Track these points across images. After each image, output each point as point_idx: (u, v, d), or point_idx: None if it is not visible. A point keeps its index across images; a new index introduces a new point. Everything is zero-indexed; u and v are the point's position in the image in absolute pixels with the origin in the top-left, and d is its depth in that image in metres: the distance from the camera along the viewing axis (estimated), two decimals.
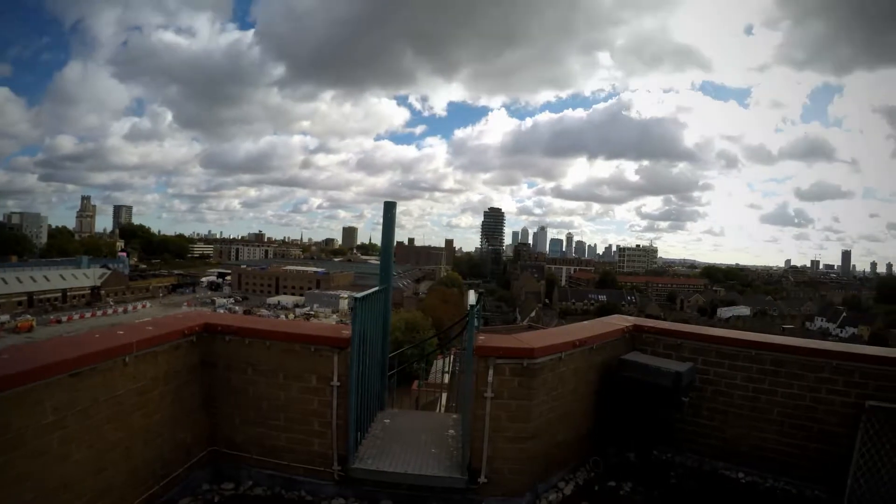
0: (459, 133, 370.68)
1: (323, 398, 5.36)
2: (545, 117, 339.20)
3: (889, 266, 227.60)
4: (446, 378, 12.96)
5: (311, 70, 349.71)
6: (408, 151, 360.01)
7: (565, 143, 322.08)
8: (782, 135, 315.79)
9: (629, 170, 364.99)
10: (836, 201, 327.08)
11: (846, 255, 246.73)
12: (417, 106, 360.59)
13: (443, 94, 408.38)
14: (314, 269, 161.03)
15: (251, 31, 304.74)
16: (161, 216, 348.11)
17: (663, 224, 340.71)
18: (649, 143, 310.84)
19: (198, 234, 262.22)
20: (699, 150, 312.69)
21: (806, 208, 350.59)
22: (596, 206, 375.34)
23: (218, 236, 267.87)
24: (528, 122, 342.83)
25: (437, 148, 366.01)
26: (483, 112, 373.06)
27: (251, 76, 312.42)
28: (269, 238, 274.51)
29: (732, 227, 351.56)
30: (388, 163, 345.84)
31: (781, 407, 6.11)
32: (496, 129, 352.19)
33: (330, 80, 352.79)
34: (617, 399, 6.14)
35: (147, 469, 4.69)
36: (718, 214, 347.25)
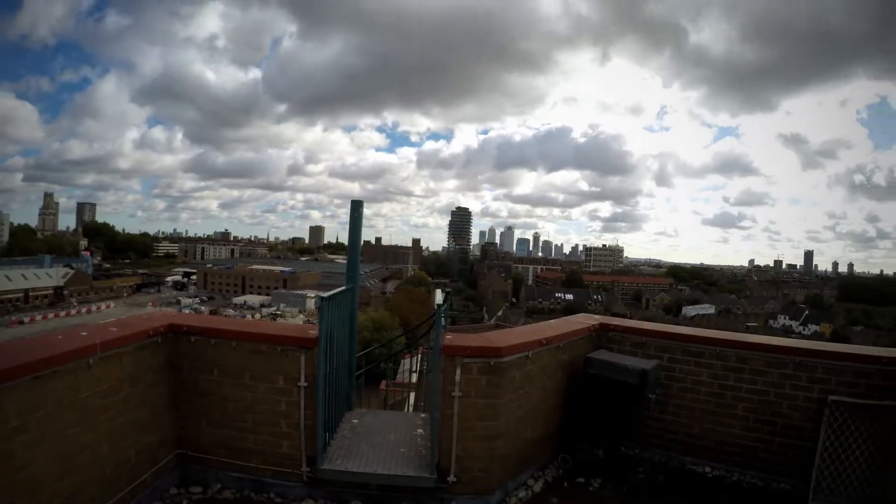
0: (429, 146, 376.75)
1: (290, 399, 5.31)
2: (500, 134, 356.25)
3: (850, 266, 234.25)
4: (414, 377, 12.93)
5: (308, 107, 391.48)
6: (379, 157, 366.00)
7: (516, 157, 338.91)
8: (707, 151, 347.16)
9: (578, 179, 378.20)
10: (766, 207, 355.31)
11: (808, 256, 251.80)
12: (394, 131, 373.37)
13: (420, 125, 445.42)
14: (281, 268, 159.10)
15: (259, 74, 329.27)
16: (136, 214, 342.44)
17: (623, 225, 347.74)
18: (592, 157, 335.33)
19: (163, 233, 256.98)
20: (638, 165, 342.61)
21: (744, 212, 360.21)
22: (556, 210, 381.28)
23: (184, 235, 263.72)
24: (487, 137, 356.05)
25: (407, 157, 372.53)
26: (451, 132, 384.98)
27: (258, 109, 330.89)
28: (235, 237, 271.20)
29: (685, 228, 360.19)
30: (364, 170, 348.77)
31: (746, 402, 6.21)
32: (460, 143, 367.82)
33: (323, 114, 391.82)
34: (584, 396, 6.20)
35: (114, 473, 4.61)
36: (666, 219, 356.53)
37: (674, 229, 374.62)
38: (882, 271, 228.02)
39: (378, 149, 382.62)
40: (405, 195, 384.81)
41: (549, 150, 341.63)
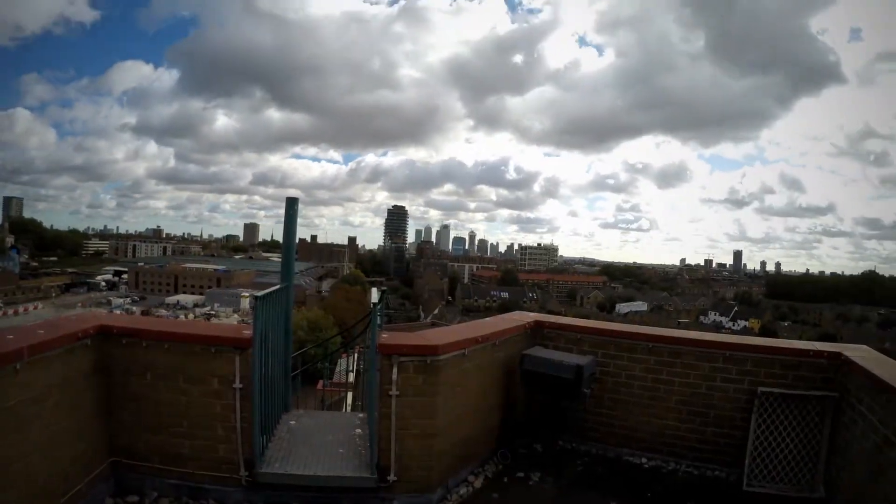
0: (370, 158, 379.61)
1: (226, 401, 5.22)
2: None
3: (777, 265, 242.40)
4: (351, 377, 12.89)
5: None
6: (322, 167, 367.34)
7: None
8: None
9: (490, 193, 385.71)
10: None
11: (737, 255, 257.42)
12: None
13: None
14: (214, 266, 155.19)
15: None
16: (80, 211, 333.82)
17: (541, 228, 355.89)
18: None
19: (93, 230, 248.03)
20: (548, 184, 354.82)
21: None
22: (483, 214, 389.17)
23: (115, 232, 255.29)
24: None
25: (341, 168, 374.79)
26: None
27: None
28: (168, 234, 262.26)
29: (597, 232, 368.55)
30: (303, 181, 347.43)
31: (679, 395, 6.44)
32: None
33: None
34: (521, 392, 6.27)
35: (47, 486, 4.44)
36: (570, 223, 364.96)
37: (589, 231, 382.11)
38: (808, 270, 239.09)
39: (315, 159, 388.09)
40: (344, 200, 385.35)
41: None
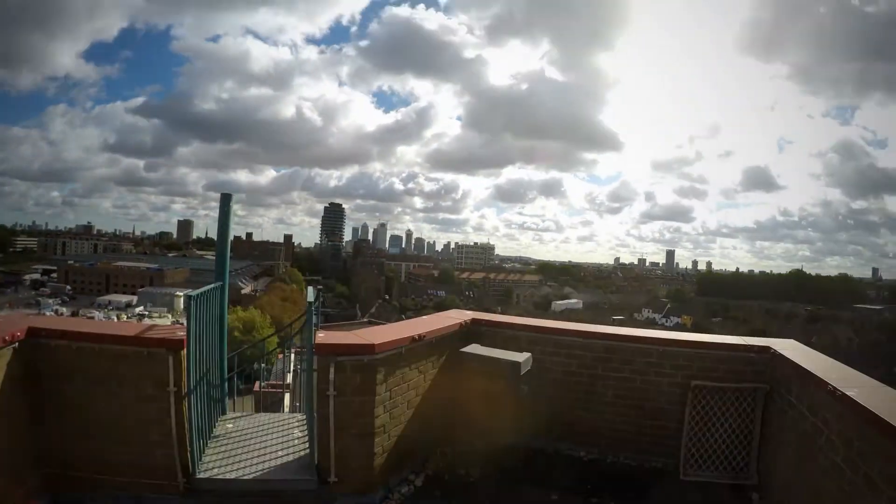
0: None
1: (161, 405, 5.10)
2: None
3: (709, 263, 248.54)
4: (289, 378, 12.78)
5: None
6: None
7: None
8: None
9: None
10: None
11: (670, 254, 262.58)
12: None
13: None
14: (147, 265, 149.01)
15: None
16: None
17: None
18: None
19: (21, 226, 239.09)
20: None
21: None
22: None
23: (43, 228, 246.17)
24: None
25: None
26: None
27: None
28: (99, 231, 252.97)
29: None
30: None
31: (615, 390, 6.65)
32: None
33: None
34: (460, 390, 6.27)
35: None
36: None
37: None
38: (738, 268, 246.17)
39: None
40: (281, 202, 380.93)
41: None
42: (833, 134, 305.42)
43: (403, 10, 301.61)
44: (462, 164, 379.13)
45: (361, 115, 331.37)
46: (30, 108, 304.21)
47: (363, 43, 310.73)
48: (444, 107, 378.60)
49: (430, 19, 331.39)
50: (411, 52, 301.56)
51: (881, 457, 3.86)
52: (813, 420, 5.01)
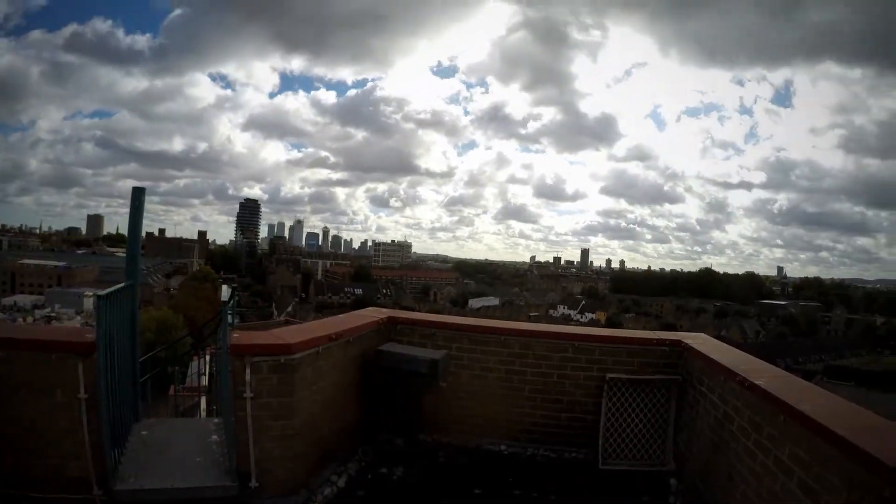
0: None
1: (72, 414, 4.90)
2: None
3: (622, 262, 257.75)
4: (204, 380, 12.54)
5: None
6: None
7: None
8: None
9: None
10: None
11: (585, 253, 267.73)
12: None
13: None
14: (55, 262, 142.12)
15: None
16: None
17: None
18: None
19: None
20: None
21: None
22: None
23: None
24: None
25: None
26: None
27: None
28: (3, 226, 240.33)
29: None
30: None
31: (533, 384, 6.93)
32: None
33: None
34: (378, 388, 6.43)
35: None
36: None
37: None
38: (650, 267, 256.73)
39: None
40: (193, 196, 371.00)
41: None
42: None
43: None
44: None
45: None
46: None
47: None
48: None
49: None
50: None
51: (789, 440, 4.15)
52: (724, 408, 5.34)
